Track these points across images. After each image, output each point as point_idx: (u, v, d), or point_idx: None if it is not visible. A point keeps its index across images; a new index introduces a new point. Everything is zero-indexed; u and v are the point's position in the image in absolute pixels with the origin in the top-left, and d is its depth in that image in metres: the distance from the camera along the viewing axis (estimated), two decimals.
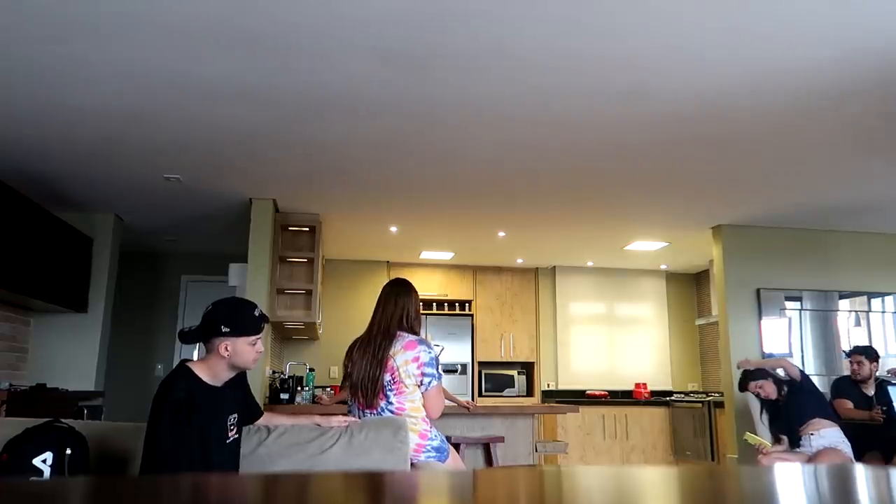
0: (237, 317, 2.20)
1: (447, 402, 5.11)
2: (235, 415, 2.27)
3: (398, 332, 2.90)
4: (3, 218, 4.44)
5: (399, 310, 2.94)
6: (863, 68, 3.19)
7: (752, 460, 5.10)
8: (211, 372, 2.20)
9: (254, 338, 2.22)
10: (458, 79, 3.33)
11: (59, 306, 5.34)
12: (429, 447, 2.84)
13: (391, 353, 2.84)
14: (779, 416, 4.54)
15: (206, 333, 2.18)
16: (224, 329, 2.16)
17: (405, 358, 2.84)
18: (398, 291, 3.00)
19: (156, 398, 2.10)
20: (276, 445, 2.43)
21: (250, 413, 2.47)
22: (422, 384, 2.86)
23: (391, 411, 2.82)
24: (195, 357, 2.36)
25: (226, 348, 2.16)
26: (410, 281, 3.10)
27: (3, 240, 4.41)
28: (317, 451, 2.44)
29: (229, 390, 2.27)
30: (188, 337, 2.23)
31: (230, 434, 2.23)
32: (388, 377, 2.82)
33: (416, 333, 2.95)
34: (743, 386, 4.68)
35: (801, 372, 4.56)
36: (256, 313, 2.25)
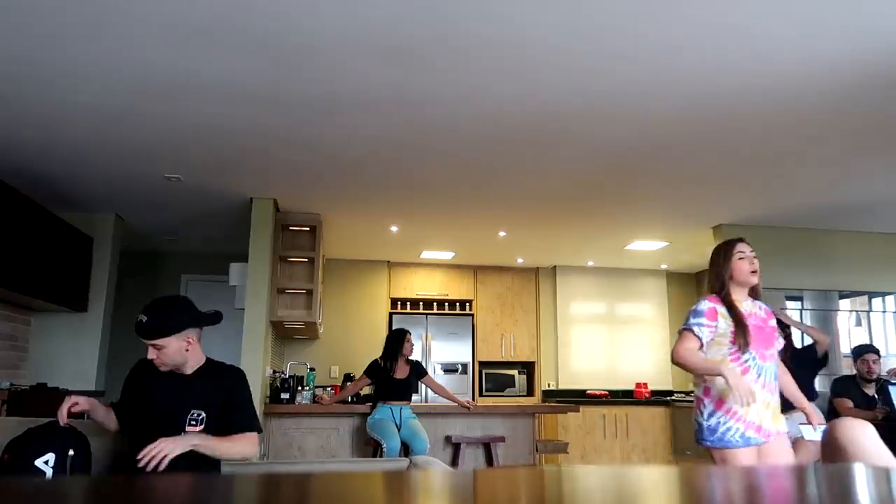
0: None
1: (447, 402, 5.15)
2: (201, 413, 2.21)
3: None
4: (4, 218, 4.44)
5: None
6: (863, 68, 3.19)
7: None
8: None
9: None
10: (458, 79, 3.33)
11: (60, 306, 5.34)
12: (700, 420, 2.80)
13: None
14: None
15: None
16: None
17: None
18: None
19: None
20: None
21: (227, 422, 2.24)
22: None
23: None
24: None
25: None
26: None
27: (3, 240, 4.41)
28: None
29: (198, 383, 2.27)
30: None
31: (187, 422, 2.19)
32: None
33: None
34: None
35: (826, 354, 4.74)
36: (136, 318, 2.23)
